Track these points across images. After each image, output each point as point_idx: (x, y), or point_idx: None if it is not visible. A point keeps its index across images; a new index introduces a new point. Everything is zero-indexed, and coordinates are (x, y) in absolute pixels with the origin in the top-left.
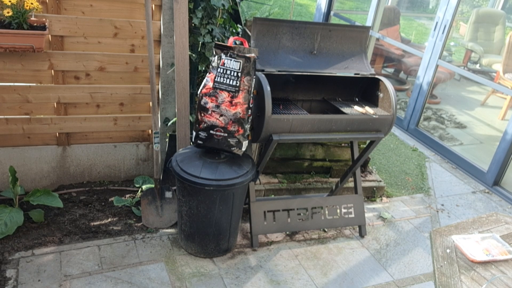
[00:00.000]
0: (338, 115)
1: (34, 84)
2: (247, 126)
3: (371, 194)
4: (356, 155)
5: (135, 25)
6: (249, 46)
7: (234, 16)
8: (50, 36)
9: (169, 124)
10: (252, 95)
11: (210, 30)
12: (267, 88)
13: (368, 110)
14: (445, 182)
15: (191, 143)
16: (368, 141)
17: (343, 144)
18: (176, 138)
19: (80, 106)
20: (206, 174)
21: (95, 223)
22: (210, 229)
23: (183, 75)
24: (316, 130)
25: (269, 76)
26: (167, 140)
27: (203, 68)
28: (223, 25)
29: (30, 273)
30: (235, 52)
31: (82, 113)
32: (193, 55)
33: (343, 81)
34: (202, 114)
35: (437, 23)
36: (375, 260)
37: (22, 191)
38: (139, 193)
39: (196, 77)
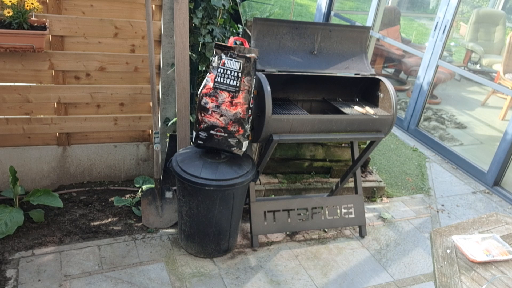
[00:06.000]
0: (339, 115)
1: (35, 84)
2: (248, 126)
3: (371, 194)
4: (356, 155)
5: (136, 25)
6: (250, 46)
7: (234, 16)
8: (50, 36)
9: (169, 124)
10: (252, 95)
11: (211, 30)
12: (267, 88)
13: (368, 110)
14: (445, 182)
15: (191, 143)
16: (368, 141)
17: (343, 144)
18: (176, 138)
19: (81, 106)
20: (206, 174)
21: (95, 223)
22: (210, 229)
23: (184, 75)
24: (317, 130)
25: (269, 76)
26: (167, 140)
27: (204, 68)
28: (223, 25)
29: (30, 273)
30: (236, 52)
31: (83, 113)
32: (194, 55)
33: (343, 81)
34: (203, 114)
35: (437, 23)
36: (375, 260)
37: (22, 191)
38: (139, 193)
39: (196, 77)
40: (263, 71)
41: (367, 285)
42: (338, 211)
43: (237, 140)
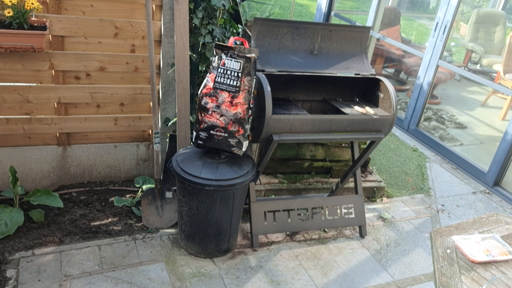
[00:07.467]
0: (339, 115)
1: (35, 84)
2: (248, 126)
3: (372, 195)
4: (357, 155)
5: (136, 25)
6: (250, 46)
7: (234, 16)
8: (50, 36)
9: (169, 124)
10: (252, 95)
11: (211, 30)
12: (267, 88)
13: (369, 110)
14: (446, 182)
15: (192, 143)
16: (368, 142)
17: (343, 144)
18: (176, 138)
19: (81, 106)
20: (206, 174)
21: (96, 223)
22: (210, 229)
23: (184, 75)
24: (317, 130)
25: (269, 76)
26: (167, 140)
27: (204, 68)
28: (223, 25)
29: (31, 273)
30: (236, 52)
31: (83, 113)
32: (194, 55)
33: (343, 81)
34: (203, 114)
35: (437, 23)
36: (375, 261)
37: (22, 191)
38: (139, 193)
39: (196, 77)
40: (263, 71)
41: (367, 285)
42: (338, 211)
43: (237, 140)
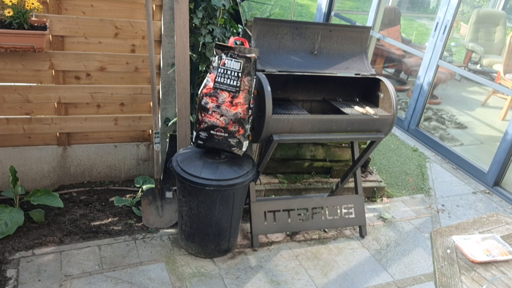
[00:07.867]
0: (339, 115)
1: (35, 84)
2: (248, 126)
3: (372, 195)
4: (357, 155)
5: (136, 25)
6: (250, 46)
7: (234, 16)
8: (50, 36)
9: (169, 124)
10: (252, 95)
11: (211, 30)
12: (267, 88)
13: (369, 110)
14: (446, 182)
15: (192, 143)
16: (368, 142)
17: (343, 145)
18: (176, 138)
19: (81, 106)
20: (206, 174)
21: (96, 223)
22: (210, 229)
23: (184, 75)
24: (317, 130)
25: (269, 76)
26: (167, 140)
27: (204, 68)
28: (223, 25)
29: (31, 273)
30: (236, 52)
31: (83, 113)
32: (194, 55)
33: (343, 81)
34: (203, 114)
35: (437, 23)
36: (375, 261)
37: (22, 191)
38: (139, 193)
39: (196, 77)
40: (263, 71)
41: (367, 285)
42: (338, 211)
43: (237, 140)
